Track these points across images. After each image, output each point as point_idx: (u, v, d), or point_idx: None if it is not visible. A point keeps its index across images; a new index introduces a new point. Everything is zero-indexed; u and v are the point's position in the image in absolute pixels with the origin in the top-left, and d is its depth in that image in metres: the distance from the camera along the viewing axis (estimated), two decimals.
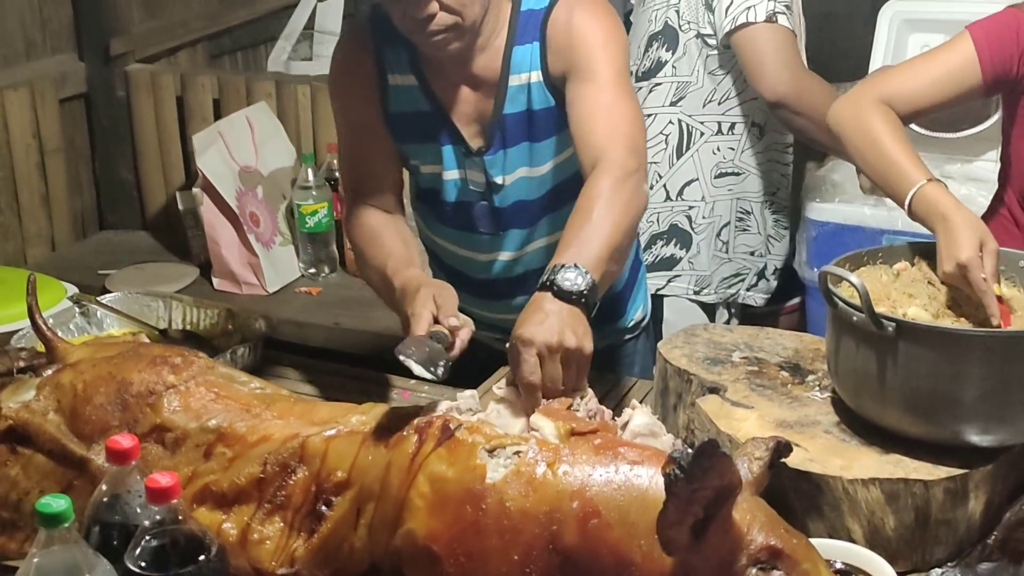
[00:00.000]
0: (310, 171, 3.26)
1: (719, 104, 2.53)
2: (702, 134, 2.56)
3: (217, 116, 3.56)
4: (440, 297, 1.64)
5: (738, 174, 2.58)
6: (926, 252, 1.74)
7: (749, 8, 2.42)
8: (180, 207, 3.43)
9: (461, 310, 1.69)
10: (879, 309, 1.52)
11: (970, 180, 2.79)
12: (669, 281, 2.64)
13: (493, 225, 2.07)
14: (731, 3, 2.45)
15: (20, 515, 1.53)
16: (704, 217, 2.60)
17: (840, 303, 1.56)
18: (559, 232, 1.99)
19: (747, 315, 2.74)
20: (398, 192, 2.06)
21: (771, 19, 2.41)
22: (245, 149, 3.29)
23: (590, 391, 1.54)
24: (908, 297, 1.63)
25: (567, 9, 1.92)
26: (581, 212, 1.74)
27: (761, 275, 2.68)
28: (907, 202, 1.80)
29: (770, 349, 1.83)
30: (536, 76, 1.94)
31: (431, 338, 1.55)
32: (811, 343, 1.85)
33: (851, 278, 1.51)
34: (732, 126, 2.54)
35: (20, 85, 3.41)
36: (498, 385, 1.57)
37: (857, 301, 1.52)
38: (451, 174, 2.04)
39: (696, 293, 2.64)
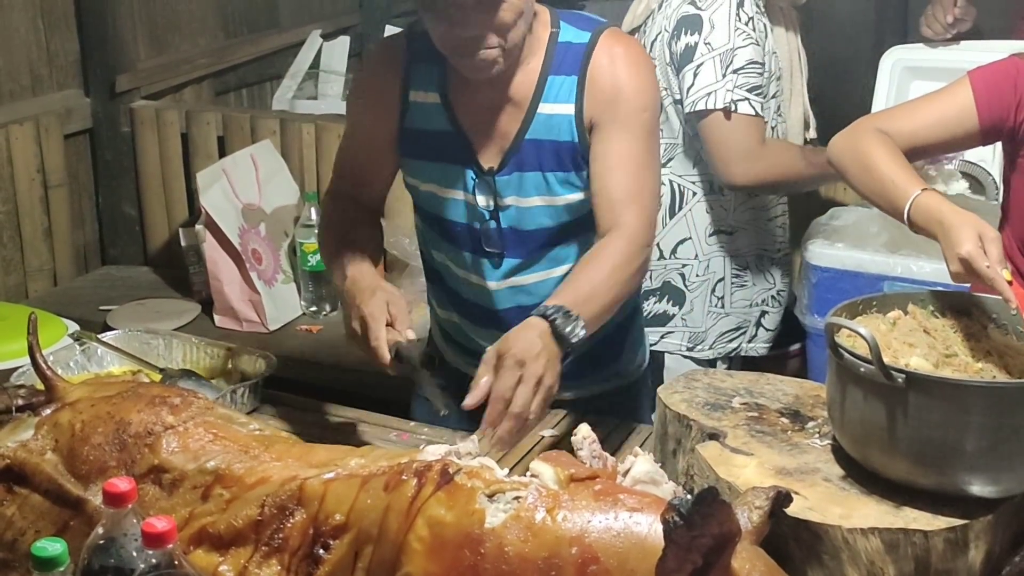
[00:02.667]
0: (313, 209, 3.27)
1: (707, 164, 2.52)
2: (694, 194, 2.55)
3: (221, 153, 3.58)
4: (394, 306, 1.76)
5: (731, 232, 2.57)
6: (918, 301, 1.74)
7: (709, 95, 2.38)
8: (183, 243, 3.44)
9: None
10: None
11: None
12: (662, 337, 2.63)
13: (497, 245, 2.04)
14: (692, 84, 2.41)
15: (16, 555, 1.52)
16: (698, 275, 2.59)
17: (846, 354, 1.55)
18: (562, 267, 1.99)
19: (748, 361, 2.72)
20: (383, 198, 2.14)
21: (729, 109, 2.38)
22: (249, 186, 3.30)
23: (592, 434, 1.53)
24: (909, 347, 1.62)
25: (609, 54, 1.93)
26: (595, 265, 1.84)
27: (759, 324, 2.66)
28: (906, 215, 1.81)
29: (770, 395, 1.82)
30: (569, 109, 1.94)
31: (397, 348, 1.72)
32: (811, 389, 1.84)
33: (861, 330, 1.50)
34: (721, 187, 2.53)
35: (25, 120, 3.43)
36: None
37: (860, 351, 1.52)
38: (457, 194, 2.02)
39: (689, 349, 2.63)
